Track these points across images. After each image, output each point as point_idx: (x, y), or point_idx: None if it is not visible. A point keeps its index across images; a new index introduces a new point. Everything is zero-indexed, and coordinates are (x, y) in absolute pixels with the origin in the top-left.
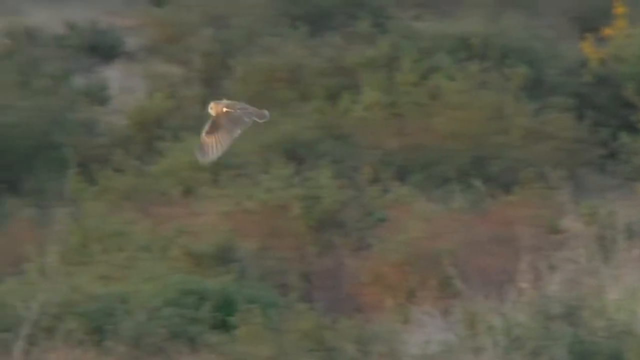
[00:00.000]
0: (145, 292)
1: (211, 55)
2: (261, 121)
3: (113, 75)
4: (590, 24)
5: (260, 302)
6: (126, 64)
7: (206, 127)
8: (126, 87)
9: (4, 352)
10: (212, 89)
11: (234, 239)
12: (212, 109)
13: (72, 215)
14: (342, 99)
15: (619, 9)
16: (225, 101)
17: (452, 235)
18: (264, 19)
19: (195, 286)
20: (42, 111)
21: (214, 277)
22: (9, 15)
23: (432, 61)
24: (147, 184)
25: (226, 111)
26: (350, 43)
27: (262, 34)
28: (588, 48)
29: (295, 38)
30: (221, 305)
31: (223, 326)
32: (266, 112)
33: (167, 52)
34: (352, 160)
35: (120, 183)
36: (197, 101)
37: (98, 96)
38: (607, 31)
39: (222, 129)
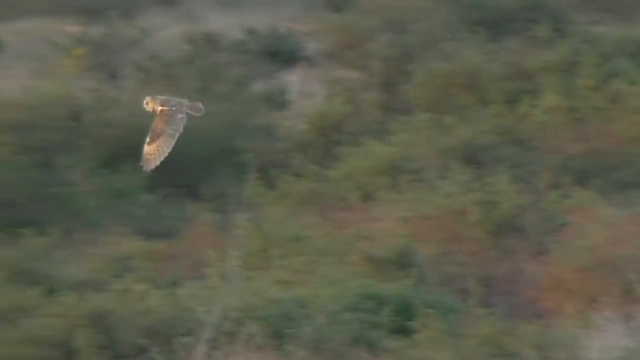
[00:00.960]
0: (325, 296)
1: (390, 61)
2: (197, 114)
3: (292, 80)
4: None
5: (439, 307)
6: (305, 69)
7: (147, 136)
8: (305, 92)
9: (186, 356)
10: (391, 94)
11: (413, 244)
12: (148, 104)
13: (252, 219)
14: (521, 103)
15: None
16: (160, 97)
17: (634, 241)
18: (442, 24)
19: (375, 291)
20: (222, 116)
21: (393, 282)
22: (190, 22)
23: (613, 65)
24: (326, 188)
25: (161, 110)
26: (529, 47)
27: (441, 39)
28: None
29: (474, 43)
30: (400, 310)
31: (402, 331)
32: (200, 105)
33: (346, 57)
34: (531, 165)
35: (299, 188)
36: (376, 106)
37: (278, 101)
38: None
39: (162, 135)
